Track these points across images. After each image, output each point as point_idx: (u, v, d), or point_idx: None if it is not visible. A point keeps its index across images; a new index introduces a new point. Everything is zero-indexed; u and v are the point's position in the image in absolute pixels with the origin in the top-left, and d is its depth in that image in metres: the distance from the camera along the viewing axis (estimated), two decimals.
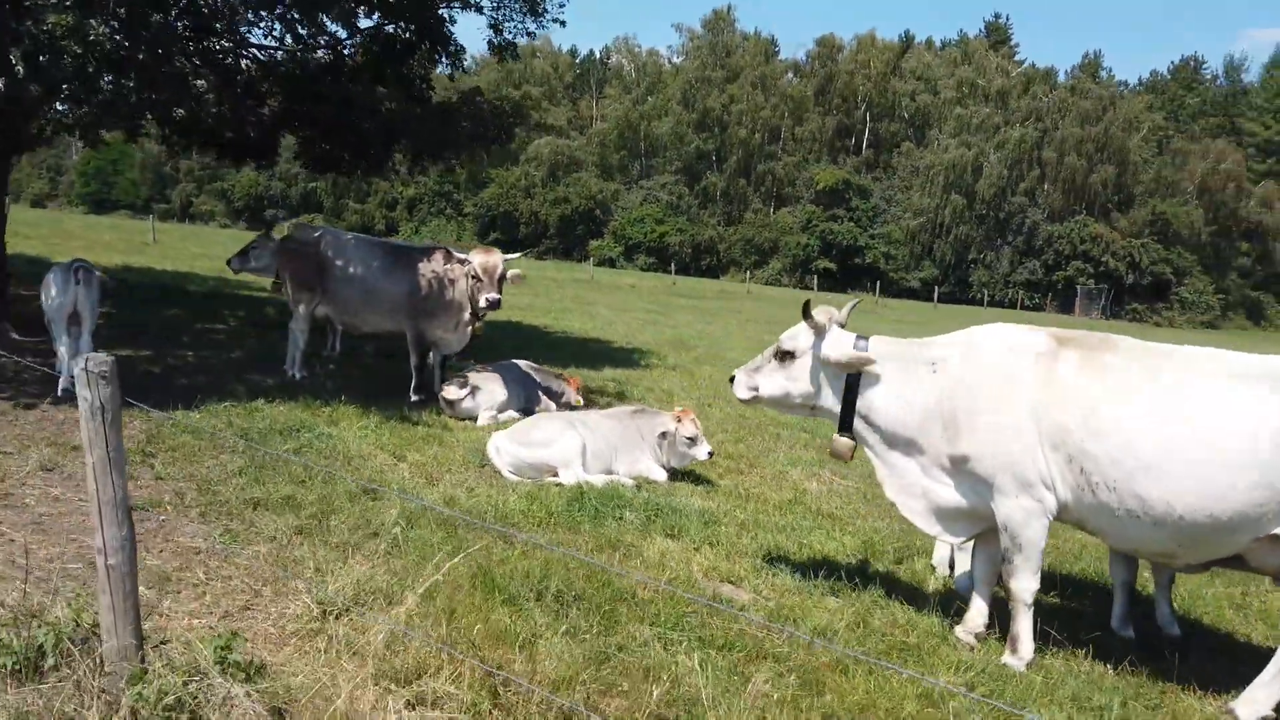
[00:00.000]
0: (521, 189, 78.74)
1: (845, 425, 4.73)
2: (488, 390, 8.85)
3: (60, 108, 12.86)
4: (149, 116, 9.25)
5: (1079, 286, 60.67)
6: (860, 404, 4.67)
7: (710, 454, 7.08)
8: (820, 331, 4.83)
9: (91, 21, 6.63)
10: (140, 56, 7.06)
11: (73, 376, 8.30)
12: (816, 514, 6.67)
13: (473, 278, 8.66)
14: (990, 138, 64.90)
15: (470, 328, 9.28)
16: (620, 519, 5.91)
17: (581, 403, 9.74)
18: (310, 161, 13.64)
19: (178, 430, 7.15)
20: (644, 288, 41.53)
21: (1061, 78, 75.51)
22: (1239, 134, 73.90)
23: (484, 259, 8.70)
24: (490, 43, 12.49)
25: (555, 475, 6.81)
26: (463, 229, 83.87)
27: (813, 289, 50.42)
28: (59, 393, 7.89)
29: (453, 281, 9.11)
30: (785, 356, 4.97)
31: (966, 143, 64.68)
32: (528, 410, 9.21)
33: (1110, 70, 79.48)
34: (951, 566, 5.59)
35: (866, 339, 4.78)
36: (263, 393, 8.76)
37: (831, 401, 4.80)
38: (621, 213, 75.87)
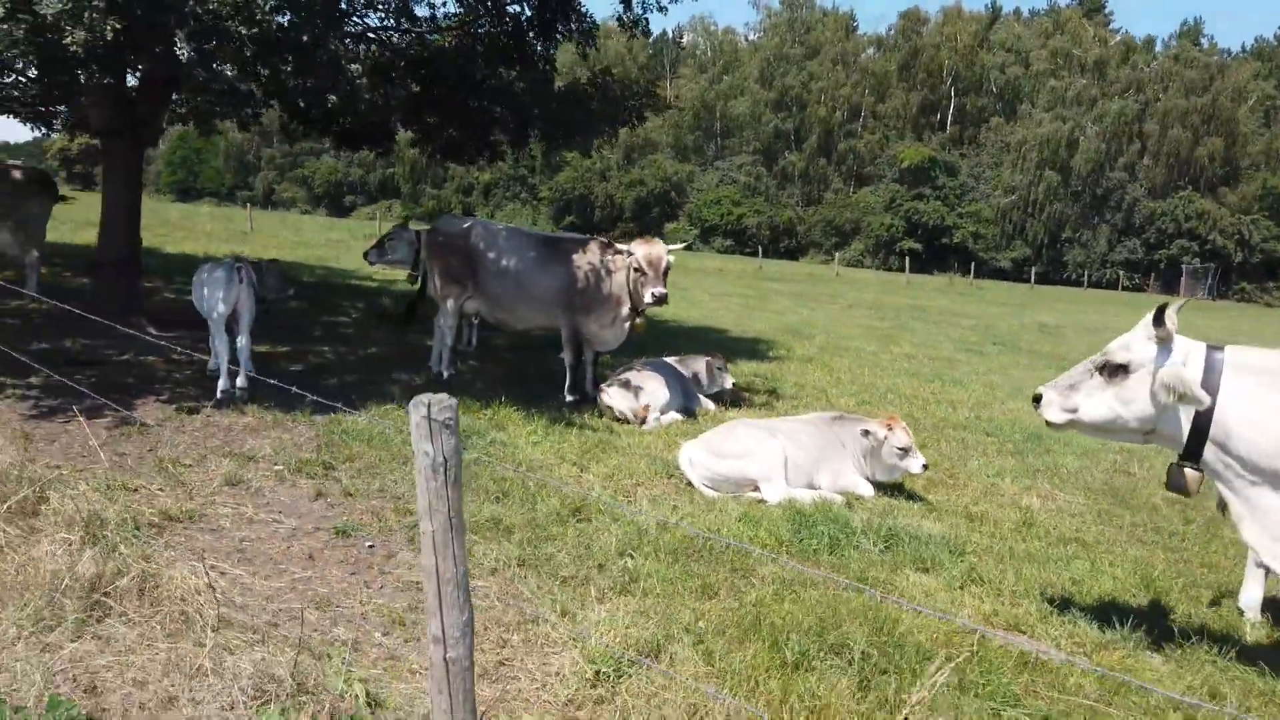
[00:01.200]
0: (597, 172, 78.26)
1: (1193, 454, 3.93)
2: (650, 391, 8.27)
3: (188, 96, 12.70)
4: (299, 103, 8.81)
5: (1184, 266, 57.86)
6: (1215, 429, 3.86)
7: (925, 466, 6.38)
8: (1166, 342, 4.02)
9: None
10: (304, 38, 6.56)
11: (232, 381, 8.06)
12: (1061, 540, 5.92)
13: (636, 270, 8.07)
14: (1087, 110, 62.16)
15: (628, 324, 8.70)
16: (856, 547, 5.25)
17: (729, 385, 9.13)
18: (431, 149, 13.22)
19: (349, 437, 6.72)
20: (730, 271, 40.67)
21: (1159, 47, 72.19)
22: None
23: (648, 250, 8.10)
24: (620, 19, 11.85)
25: (755, 490, 6.20)
26: (538, 213, 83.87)
27: (912, 271, 48.85)
28: (219, 394, 7.53)
29: (610, 274, 8.54)
30: (1116, 372, 4.16)
31: (1061, 116, 62.06)
32: (688, 410, 8.63)
33: (1212, 38, 75.68)
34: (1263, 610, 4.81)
35: (1221, 349, 3.97)
36: (416, 393, 8.31)
37: (1176, 427, 3.95)
38: (697, 195, 74.95)
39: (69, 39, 5.85)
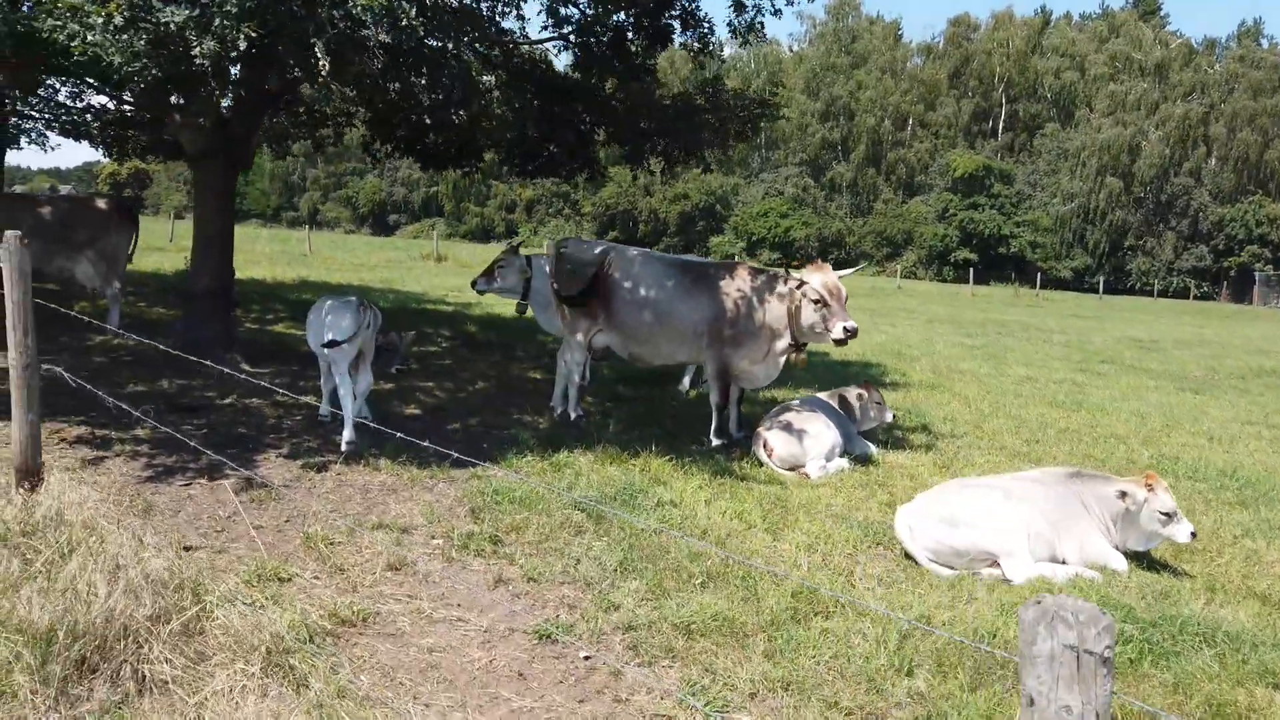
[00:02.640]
0: (640, 186, 77.58)
1: None
2: (815, 434, 7.32)
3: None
4: (424, 119, 8.03)
5: (1256, 273, 55.72)
6: None
7: (1193, 534, 5.37)
8: None
9: (404, 3, 5.36)
10: (447, 44, 5.75)
11: (354, 433, 7.23)
12: None
13: (816, 301, 7.14)
14: (1149, 115, 60.29)
15: (783, 359, 7.78)
16: (1175, 653, 4.24)
17: (889, 418, 8.21)
18: (522, 167, 12.45)
19: (501, 499, 5.85)
20: None
21: (1220, 48, 70.08)
22: None
23: (825, 278, 7.19)
24: (731, 25, 10.98)
25: (993, 565, 5.23)
26: (581, 229, 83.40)
27: (965, 282, 47.45)
28: (345, 447, 6.72)
29: (763, 302, 7.62)
30: None
31: (1122, 121, 60.25)
32: (846, 452, 7.68)
33: (1272, 38, 73.38)
34: None
35: None
36: (549, 440, 7.47)
37: None
38: (743, 208, 73.95)
39: (196, 50, 5.08)
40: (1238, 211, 57.14)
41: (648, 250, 8.52)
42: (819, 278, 7.18)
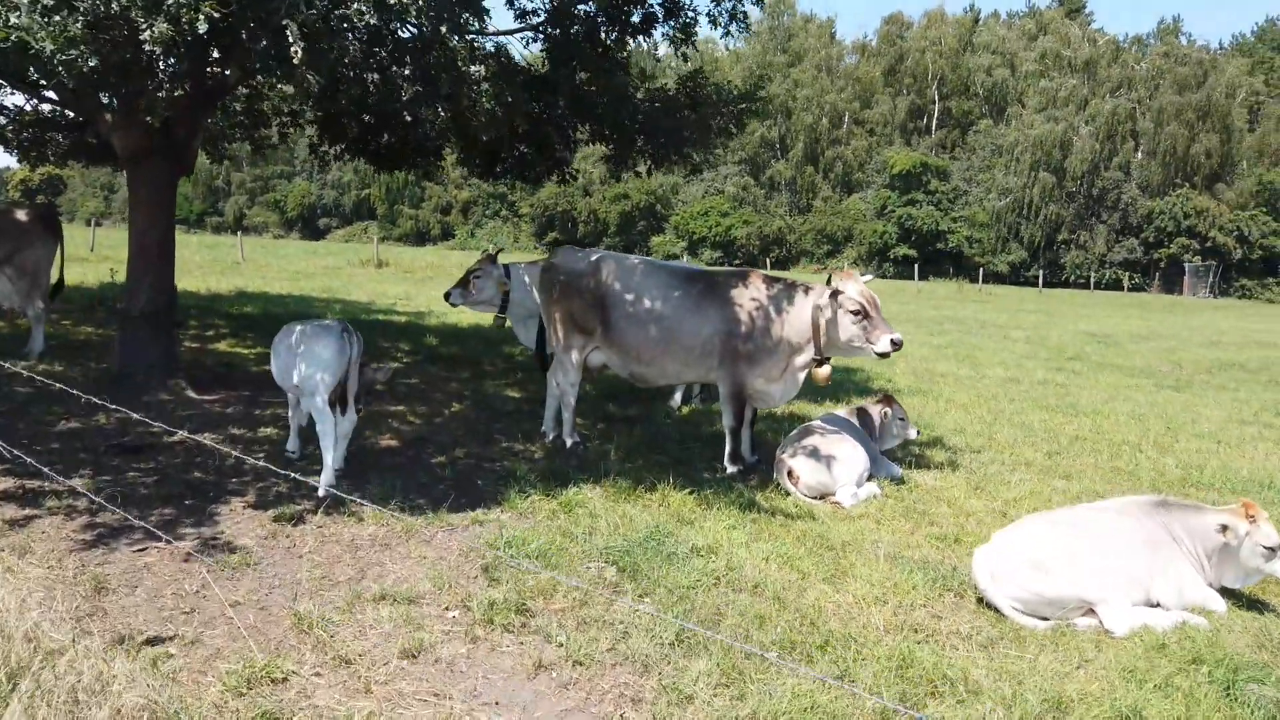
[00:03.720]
0: (579, 187, 76.64)
1: None
2: (844, 459, 6.67)
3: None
4: (404, 115, 7.14)
5: (1186, 265, 57.14)
6: None
7: None
8: None
9: None
10: (440, 28, 4.93)
11: (335, 474, 6.28)
12: None
13: (855, 313, 6.48)
14: (1079, 111, 61.44)
15: (803, 374, 7.11)
16: None
17: (913, 435, 7.64)
18: (489, 169, 11.60)
19: (516, 553, 5.06)
20: None
21: (1129, 47, 71.75)
22: None
23: (860, 286, 6.54)
24: (710, 15, 10.28)
25: (1089, 614, 4.62)
26: (519, 230, 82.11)
27: (906, 278, 47.68)
28: (322, 493, 5.84)
29: (781, 315, 6.94)
30: None
31: (1053, 117, 61.26)
32: (873, 475, 7.05)
33: (1190, 35, 75.43)
34: None
35: None
36: (550, 473, 6.68)
37: None
38: (683, 207, 73.57)
39: (146, 34, 4.18)
40: (1166, 204, 58.52)
41: (649, 258, 7.77)
42: (854, 286, 6.52)
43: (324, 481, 5.91)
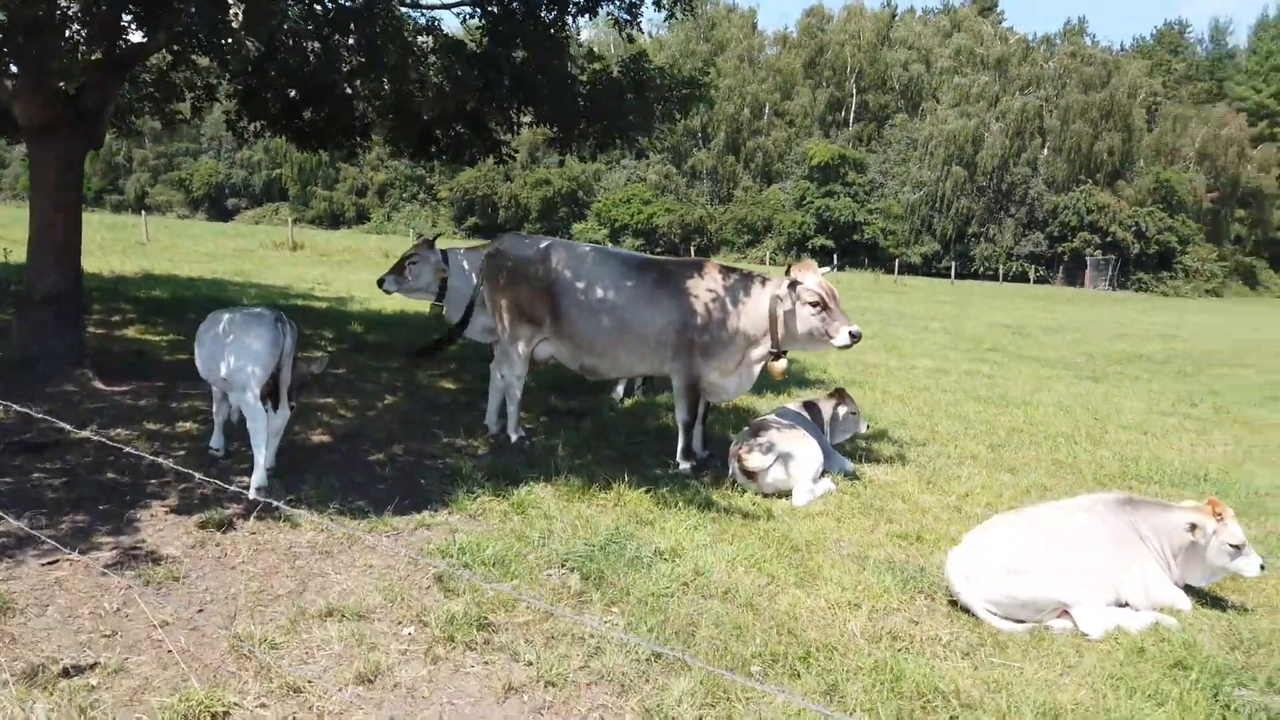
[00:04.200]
0: (500, 172, 75.47)
1: None
2: (801, 456, 6.51)
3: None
4: (354, 87, 6.65)
5: (1088, 258, 59.38)
6: None
7: (1263, 568, 4.85)
8: None
9: None
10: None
11: (267, 474, 5.41)
12: None
13: (813, 304, 6.31)
14: (990, 107, 63.17)
15: (758, 368, 6.94)
16: None
17: (863, 429, 7.59)
18: (423, 148, 11.11)
19: (471, 559, 4.74)
20: None
21: (1039, 46, 74.05)
22: (1226, 98, 73.27)
23: (818, 278, 6.38)
24: None
25: (1062, 615, 4.54)
26: (438, 214, 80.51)
27: (826, 267, 48.18)
28: (254, 493, 5.40)
29: (737, 306, 6.74)
30: None
31: (966, 113, 62.88)
32: (825, 471, 6.91)
33: (1094, 36, 78.23)
34: None
35: None
36: (497, 471, 6.36)
37: None
38: (605, 194, 73.19)
39: None
40: (1070, 200, 60.66)
41: (600, 245, 7.48)
42: (812, 277, 6.36)
43: (255, 483, 5.48)
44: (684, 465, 6.93)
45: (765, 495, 6.42)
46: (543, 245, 7.11)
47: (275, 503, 4.38)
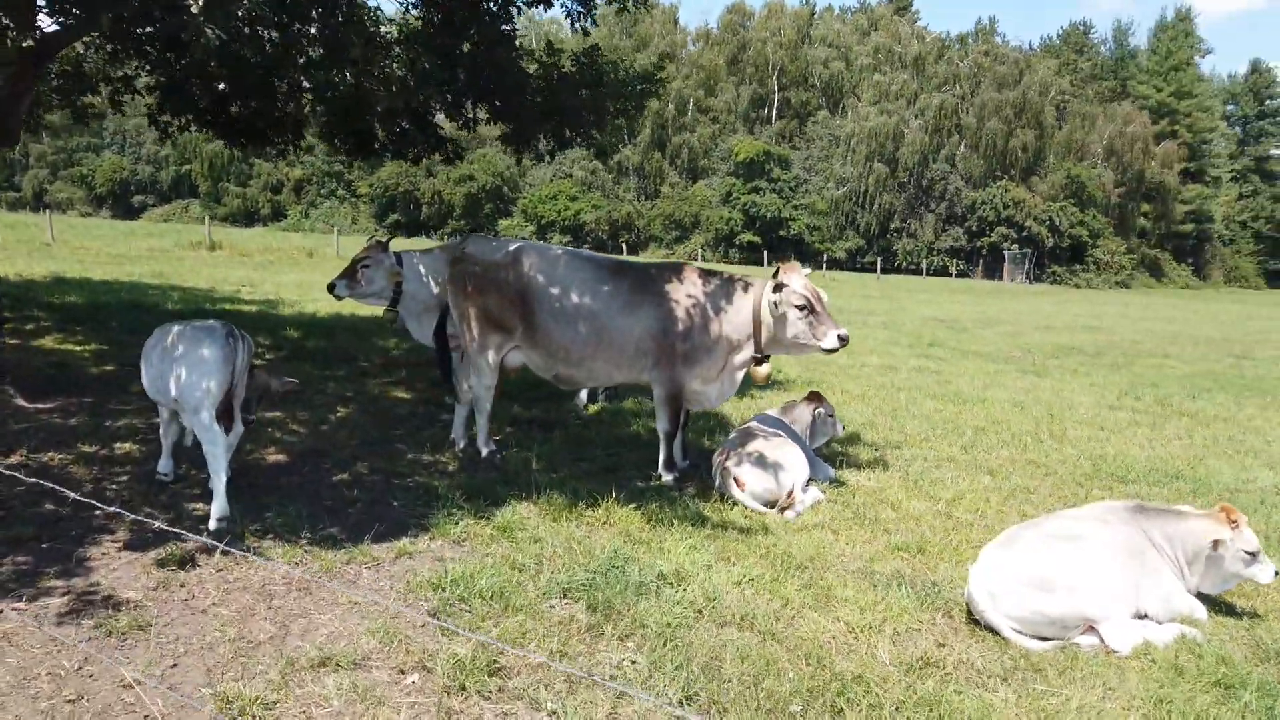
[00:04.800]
0: (422, 167, 74.06)
1: None
2: (790, 464, 6.29)
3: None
4: (303, 79, 6.13)
5: (1006, 252, 61.08)
6: None
7: (1277, 573, 4.79)
8: None
9: None
10: None
11: (227, 505, 4.72)
12: None
13: (800, 308, 6.08)
14: (909, 104, 64.46)
15: (741, 374, 6.70)
16: None
17: (840, 433, 7.46)
18: (363, 145, 10.59)
19: (466, 590, 4.37)
20: None
21: (959, 45, 75.94)
22: (1129, 97, 76.22)
23: (804, 280, 6.16)
24: None
25: (1088, 631, 4.40)
26: (358, 211, 78.60)
27: (755, 264, 48.69)
28: (215, 523, 4.94)
29: (719, 311, 6.49)
30: None
31: (886, 110, 64.06)
32: (811, 479, 6.72)
33: (1004, 36, 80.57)
34: None
35: None
36: (473, 489, 5.99)
37: None
38: (530, 190, 72.44)
39: None
40: (987, 195, 62.33)
41: (573, 249, 7.13)
42: (798, 280, 6.14)
43: (216, 513, 5.00)
44: (667, 477, 6.65)
45: (756, 506, 6.18)
46: (512, 248, 6.74)
47: (239, 550, 3.95)
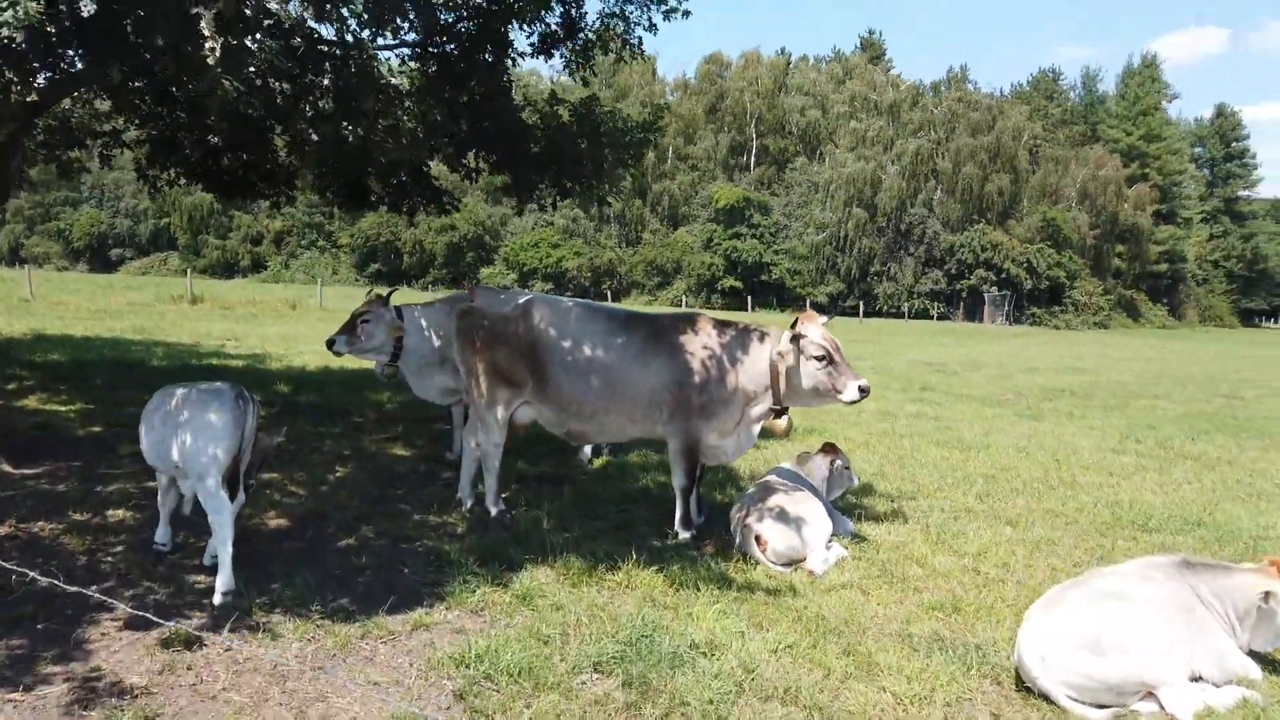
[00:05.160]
0: (403, 217, 74.05)
1: None
2: (813, 521, 6.10)
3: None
4: (310, 133, 5.98)
5: (986, 294, 61.60)
6: None
7: None
8: None
9: None
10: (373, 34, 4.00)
11: (233, 579, 4.34)
12: None
13: (818, 359, 5.94)
14: (886, 150, 65.37)
15: (758, 427, 6.53)
16: None
17: (855, 484, 7.29)
18: (353, 199, 10.46)
19: (487, 667, 4.12)
20: None
21: (929, 92, 77.27)
22: (1100, 141, 77.72)
23: (822, 330, 6.03)
24: (599, 39, 9.66)
25: (1147, 697, 4.20)
26: (339, 261, 78.47)
27: (738, 309, 48.81)
28: (219, 598, 4.68)
29: (736, 362, 6.33)
30: None
31: (863, 156, 64.92)
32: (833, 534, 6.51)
33: (975, 84, 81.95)
34: None
35: None
36: (486, 552, 5.75)
37: None
38: (512, 238, 72.66)
39: (6, 16, 3.05)
40: (966, 238, 63.02)
41: (583, 300, 6.98)
42: (816, 330, 6.00)
43: (221, 586, 4.74)
44: (684, 534, 6.43)
45: (778, 565, 5.96)
46: (521, 301, 6.57)
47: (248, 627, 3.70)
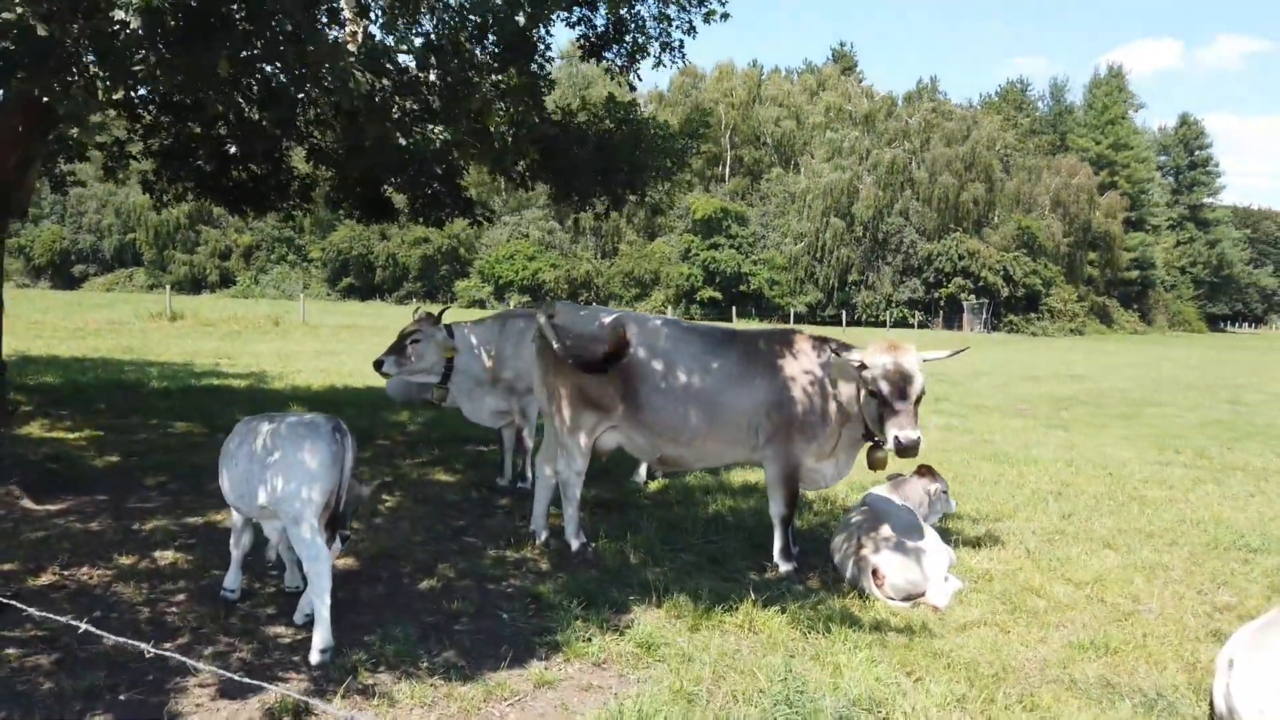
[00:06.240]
0: (376, 230, 73.20)
1: None
2: (932, 551, 5.67)
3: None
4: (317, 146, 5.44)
5: (964, 302, 61.83)
6: None
7: None
8: None
9: None
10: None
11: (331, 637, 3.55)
12: None
13: (872, 393, 5.50)
14: (862, 160, 65.55)
15: (856, 451, 6.11)
16: None
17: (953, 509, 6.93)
18: (372, 210, 9.94)
19: None
20: None
21: (901, 103, 77.77)
22: (1069, 149, 78.66)
23: (896, 360, 5.54)
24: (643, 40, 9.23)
25: None
26: (310, 275, 77.26)
27: (718, 319, 48.49)
28: (316, 657, 4.15)
29: (834, 382, 5.90)
30: None
31: (840, 166, 65.00)
32: None
33: (945, 95, 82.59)
34: None
35: None
36: (581, 593, 5.25)
37: None
38: (487, 251, 71.93)
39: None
40: (943, 247, 63.24)
41: (672, 318, 6.51)
42: (887, 360, 5.51)
43: (319, 643, 4.20)
44: (785, 567, 5.97)
45: (895, 600, 5.53)
46: (609, 320, 6.07)
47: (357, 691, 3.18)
